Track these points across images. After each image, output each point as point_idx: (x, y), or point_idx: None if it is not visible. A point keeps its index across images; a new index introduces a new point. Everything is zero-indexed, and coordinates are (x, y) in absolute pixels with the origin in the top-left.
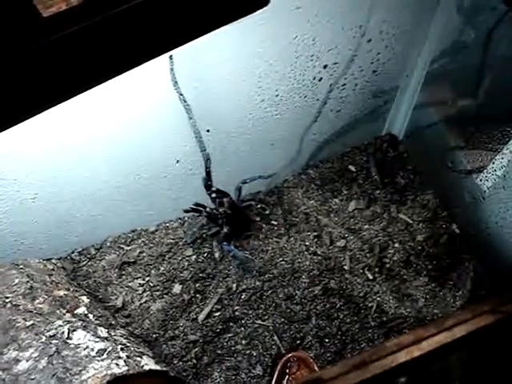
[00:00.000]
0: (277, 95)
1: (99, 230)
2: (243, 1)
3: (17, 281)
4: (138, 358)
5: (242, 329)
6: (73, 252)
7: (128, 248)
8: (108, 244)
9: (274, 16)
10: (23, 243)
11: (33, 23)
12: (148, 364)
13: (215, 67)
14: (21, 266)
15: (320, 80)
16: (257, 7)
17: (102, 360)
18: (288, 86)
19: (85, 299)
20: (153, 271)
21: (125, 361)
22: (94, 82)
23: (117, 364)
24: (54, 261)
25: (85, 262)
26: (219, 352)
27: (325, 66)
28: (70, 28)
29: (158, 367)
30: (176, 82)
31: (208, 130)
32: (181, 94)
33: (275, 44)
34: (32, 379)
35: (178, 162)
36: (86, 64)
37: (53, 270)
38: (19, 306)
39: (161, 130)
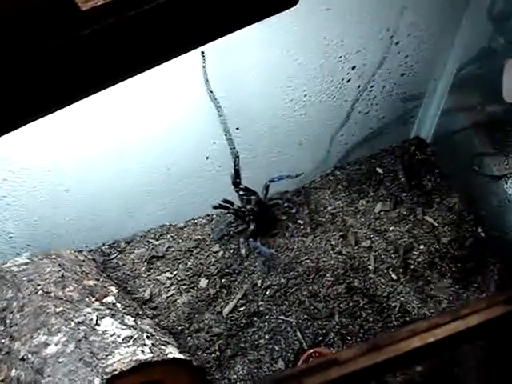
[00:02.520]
0: (305, 95)
1: (129, 225)
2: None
3: (49, 269)
4: (163, 347)
5: (266, 324)
6: (103, 245)
7: (157, 243)
8: (138, 238)
9: (304, 17)
10: (56, 234)
11: (71, 16)
12: (172, 352)
13: (246, 67)
14: (53, 256)
15: (348, 81)
16: (285, 7)
17: (128, 346)
18: (317, 86)
19: (113, 289)
20: (180, 266)
21: (150, 348)
22: (128, 75)
23: (142, 351)
24: (85, 253)
25: (115, 255)
26: (242, 345)
27: (353, 68)
28: (106, 21)
29: (181, 356)
30: (207, 79)
31: (237, 128)
32: (211, 92)
33: (304, 45)
34: (60, 362)
35: (207, 158)
36: (121, 57)
37: (83, 261)
38: (50, 293)
39: (191, 126)
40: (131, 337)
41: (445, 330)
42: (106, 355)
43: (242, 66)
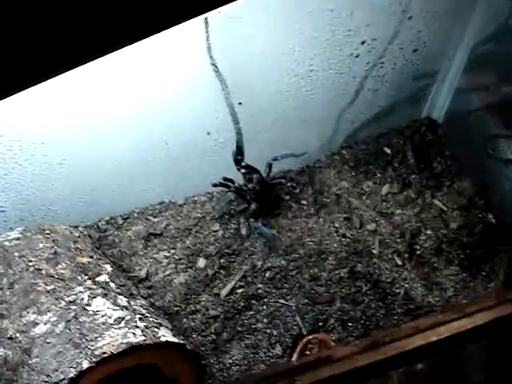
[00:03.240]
0: (311, 70)
1: (127, 200)
2: None
3: (41, 245)
4: (156, 329)
5: (264, 307)
6: (100, 221)
7: (155, 220)
8: (135, 215)
9: None
10: (50, 209)
11: None
12: (165, 335)
13: (249, 39)
14: (47, 231)
15: (357, 56)
16: None
17: (119, 328)
18: (323, 61)
19: (108, 267)
20: (178, 244)
21: (142, 330)
22: (117, 46)
23: (133, 333)
24: (80, 228)
25: (111, 232)
26: (239, 329)
27: (362, 42)
28: None
29: (175, 339)
30: (210, 50)
31: (240, 103)
32: (214, 65)
33: (311, 17)
34: (48, 343)
35: (208, 134)
36: (109, 25)
37: (79, 237)
38: (42, 270)
39: (191, 100)
40: (123, 318)
41: (449, 329)
42: (96, 337)
43: (245, 39)
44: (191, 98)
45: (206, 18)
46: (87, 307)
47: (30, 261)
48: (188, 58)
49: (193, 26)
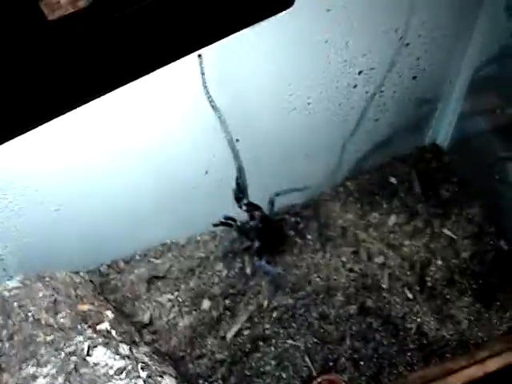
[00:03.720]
0: (309, 103)
1: (129, 243)
2: (265, 1)
3: (41, 294)
4: (159, 378)
5: (272, 349)
6: (101, 265)
7: (158, 262)
8: (137, 257)
9: (303, 19)
10: (50, 255)
11: (39, 26)
12: None
13: (242, 73)
14: (47, 279)
15: (355, 87)
16: (280, 8)
17: (121, 379)
18: (320, 93)
19: (109, 314)
20: (182, 286)
21: (144, 381)
22: (108, 88)
23: None
24: (81, 274)
25: (113, 276)
26: (247, 373)
27: (359, 72)
28: (77, 31)
29: None
30: (206, 86)
31: (237, 140)
32: (211, 100)
33: (304, 49)
34: None
35: (206, 173)
36: (98, 68)
37: (80, 283)
38: (41, 320)
39: (187, 138)
40: (124, 368)
41: (460, 378)
42: None
43: (238, 73)
44: (186, 137)
45: (199, 54)
46: (88, 358)
47: (30, 311)
48: (182, 95)
49: (186, 62)
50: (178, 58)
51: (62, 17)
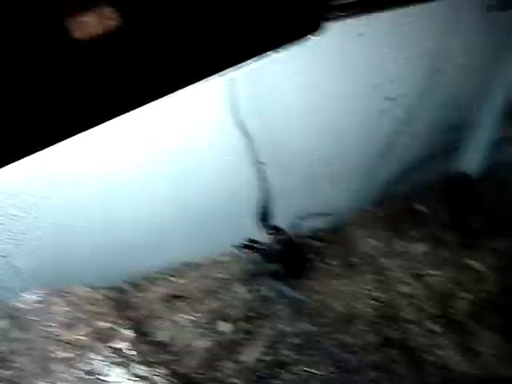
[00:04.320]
0: (336, 127)
1: (150, 261)
2: (291, 25)
3: (60, 309)
4: None
5: (291, 376)
6: (122, 282)
7: (178, 281)
8: (158, 276)
9: (334, 43)
10: (70, 272)
11: (65, 44)
12: None
13: (273, 97)
14: (66, 294)
15: (384, 112)
16: (307, 32)
17: None
18: (348, 117)
19: (127, 333)
20: (202, 307)
21: None
22: (136, 105)
23: None
24: (102, 290)
25: (133, 294)
26: None
27: (388, 98)
28: (105, 51)
29: None
30: (236, 110)
31: (262, 163)
32: (240, 123)
33: (334, 73)
34: None
35: (230, 195)
36: (124, 87)
37: (99, 300)
38: (59, 336)
39: (214, 160)
40: None
41: None
42: None
43: (267, 97)
44: (213, 159)
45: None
46: (104, 377)
47: (47, 326)
48: (211, 117)
49: (217, 85)
50: (206, 78)
51: (92, 36)
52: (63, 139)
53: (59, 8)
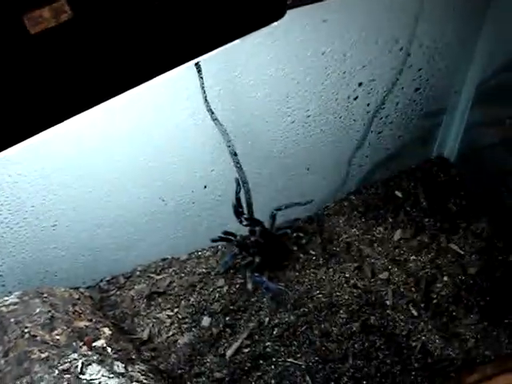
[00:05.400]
0: (308, 116)
1: (129, 259)
2: (256, 12)
3: (38, 310)
4: None
5: (273, 367)
6: (101, 281)
7: (158, 277)
8: (138, 273)
9: (298, 30)
10: (48, 271)
11: (21, 40)
12: None
13: (238, 86)
14: (45, 295)
15: (356, 99)
16: (272, 19)
17: None
18: (320, 105)
19: (106, 331)
20: (182, 302)
21: None
22: (101, 98)
23: None
24: (81, 289)
25: (113, 292)
26: None
27: (360, 84)
28: (60, 44)
29: None
30: (206, 99)
31: (235, 154)
32: (211, 113)
33: (302, 61)
34: None
35: (205, 187)
36: (84, 82)
37: (78, 299)
38: (37, 336)
39: (186, 152)
40: None
41: None
42: None
43: (237, 86)
44: (185, 150)
45: (198, 65)
46: (81, 376)
47: (26, 327)
48: (182, 108)
49: (186, 75)
50: (172, 68)
51: (45, 30)
52: (23, 139)
53: (12, 5)
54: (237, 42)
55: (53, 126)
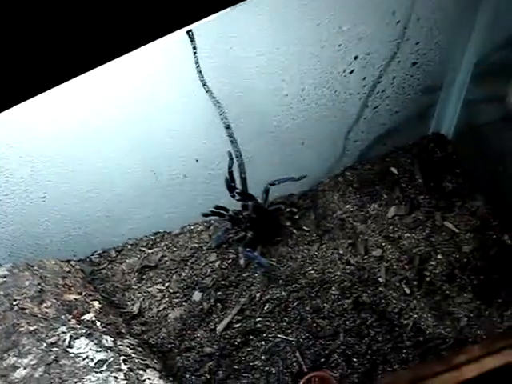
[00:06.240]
0: (303, 89)
1: (121, 232)
2: None
3: (27, 283)
4: (141, 372)
5: (263, 343)
6: (93, 254)
7: (150, 251)
8: (129, 246)
9: (295, 1)
10: (39, 244)
11: None
12: (150, 379)
13: (234, 56)
14: (35, 268)
15: (351, 72)
16: None
17: (101, 372)
18: (315, 79)
19: (96, 304)
20: (174, 276)
21: (125, 374)
22: (95, 63)
23: (115, 377)
24: (72, 262)
25: (104, 265)
26: (236, 367)
27: (355, 57)
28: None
29: (161, 383)
30: (199, 67)
31: (229, 127)
32: (204, 83)
33: (295, 32)
34: None
35: (197, 161)
36: (72, 49)
37: (69, 272)
38: (25, 309)
39: (177, 123)
40: (106, 360)
41: (455, 376)
42: (75, 382)
43: (231, 56)
44: (177, 122)
45: (191, 34)
46: (69, 349)
47: (15, 300)
48: (173, 77)
49: (179, 43)
50: (162, 35)
51: None
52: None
53: None
54: (228, 10)
55: (45, 90)
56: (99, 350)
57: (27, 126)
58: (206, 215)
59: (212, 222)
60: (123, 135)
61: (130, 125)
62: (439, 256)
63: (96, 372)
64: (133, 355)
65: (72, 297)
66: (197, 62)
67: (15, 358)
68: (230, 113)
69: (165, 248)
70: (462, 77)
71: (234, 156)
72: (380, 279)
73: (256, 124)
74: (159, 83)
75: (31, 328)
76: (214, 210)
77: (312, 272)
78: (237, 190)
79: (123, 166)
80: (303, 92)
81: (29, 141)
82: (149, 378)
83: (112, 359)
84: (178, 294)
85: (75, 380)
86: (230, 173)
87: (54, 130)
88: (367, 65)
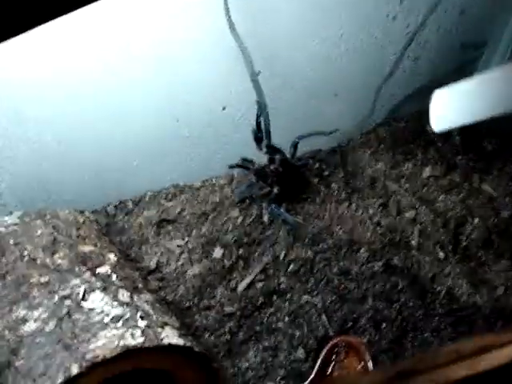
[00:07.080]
0: (341, 34)
1: (139, 183)
2: None
3: (39, 232)
4: (159, 329)
5: (287, 304)
6: (108, 205)
7: (169, 204)
8: (147, 199)
9: None
10: (52, 192)
11: None
12: (169, 336)
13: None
14: (48, 217)
15: (394, 18)
16: None
17: (117, 328)
18: (355, 23)
19: (112, 257)
20: (193, 232)
21: (142, 331)
22: None
23: (132, 334)
24: (86, 213)
25: (120, 217)
26: (257, 329)
27: (400, 2)
28: None
29: (180, 341)
30: (228, 9)
31: (259, 73)
32: (232, 26)
33: None
34: (37, 343)
35: (224, 109)
36: None
37: (83, 223)
38: (37, 259)
39: (203, 68)
40: (122, 316)
41: (501, 356)
42: (89, 338)
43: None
44: (202, 67)
45: None
46: (83, 303)
47: (26, 249)
48: (199, 21)
49: None
50: None
51: None
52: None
53: None
54: None
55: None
56: (115, 304)
57: (43, 59)
58: (231, 167)
59: (235, 175)
60: (145, 80)
61: (151, 68)
62: (476, 220)
63: (112, 328)
64: (150, 312)
65: (87, 248)
66: (225, 3)
67: (25, 311)
68: (257, 59)
69: (184, 201)
70: (508, 33)
71: (262, 105)
72: (413, 242)
73: (287, 71)
74: (183, 26)
75: (42, 279)
76: (239, 162)
77: (340, 232)
78: (264, 143)
79: (145, 114)
80: (341, 38)
81: (44, 78)
82: (167, 336)
83: (129, 315)
84: (197, 250)
85: (89, 336)
86: (258, 123)
87: (72, 70)
88: (411, 10)
